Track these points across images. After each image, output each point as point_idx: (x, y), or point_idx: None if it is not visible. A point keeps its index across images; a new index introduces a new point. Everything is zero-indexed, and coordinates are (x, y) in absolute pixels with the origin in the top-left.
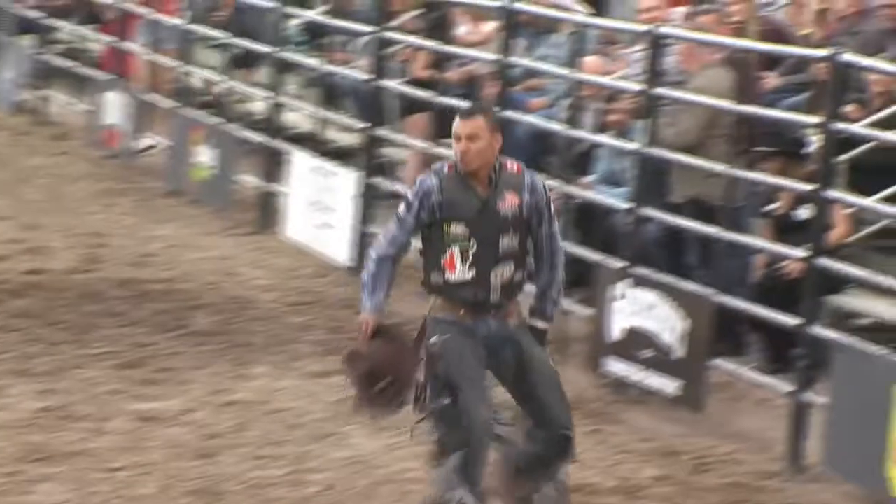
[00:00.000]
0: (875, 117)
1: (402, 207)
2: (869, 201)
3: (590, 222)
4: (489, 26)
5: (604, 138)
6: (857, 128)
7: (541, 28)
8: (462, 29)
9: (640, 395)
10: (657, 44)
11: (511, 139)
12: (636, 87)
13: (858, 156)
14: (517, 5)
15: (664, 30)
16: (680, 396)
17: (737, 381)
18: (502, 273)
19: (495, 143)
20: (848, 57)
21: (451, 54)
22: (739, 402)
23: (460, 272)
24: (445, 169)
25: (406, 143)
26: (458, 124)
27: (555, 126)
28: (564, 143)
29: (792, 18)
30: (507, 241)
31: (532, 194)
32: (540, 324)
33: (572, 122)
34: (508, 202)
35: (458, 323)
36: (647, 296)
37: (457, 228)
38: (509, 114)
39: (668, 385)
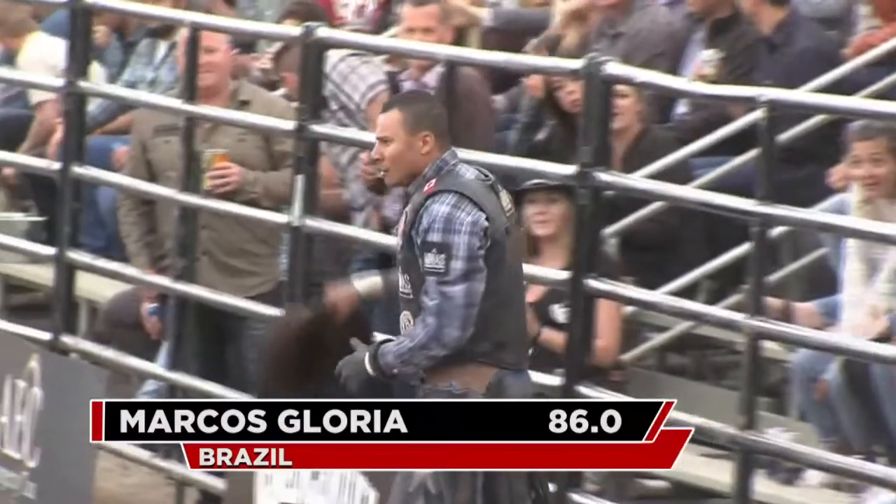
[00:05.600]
0: (656, 166)
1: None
2: (655, 295)
3: None
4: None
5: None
6: (636, 180)
7: (136, 36)
8: None
9: None
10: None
11: (92, 208)
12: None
13: (634, 225)
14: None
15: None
16: None
17: None
18: (404, 326)
19: (421, 146)
20: (613, 69)
21: None
22: None
23: None
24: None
25: None
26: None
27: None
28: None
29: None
30: (402, 281)
31: (420, 226)
32: (367, 355)
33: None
34: (400, 230)
35: None
36: None
37: None
38: (84, 171)
39: None
